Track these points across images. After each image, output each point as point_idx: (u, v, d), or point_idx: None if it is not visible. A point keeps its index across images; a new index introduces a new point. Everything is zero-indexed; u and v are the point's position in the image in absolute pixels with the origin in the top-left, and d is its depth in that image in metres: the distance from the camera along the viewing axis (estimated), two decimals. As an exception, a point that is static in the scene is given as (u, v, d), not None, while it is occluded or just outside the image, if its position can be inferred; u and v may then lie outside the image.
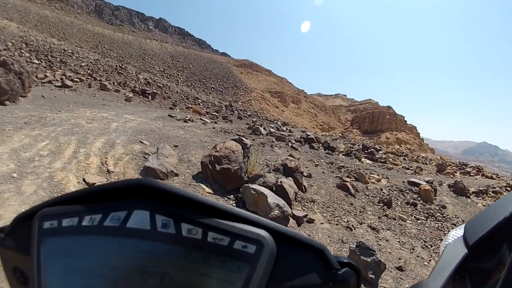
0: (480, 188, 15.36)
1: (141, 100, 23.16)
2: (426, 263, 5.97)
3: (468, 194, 13.76)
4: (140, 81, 33.85)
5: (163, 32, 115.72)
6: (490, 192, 15.06)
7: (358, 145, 25.64)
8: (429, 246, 6.90)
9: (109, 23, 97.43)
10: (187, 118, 16.70)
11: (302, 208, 6.86)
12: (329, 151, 17.87)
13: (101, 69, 31.05)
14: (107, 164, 6.45)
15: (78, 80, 21.63)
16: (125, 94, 22.36)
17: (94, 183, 5.36)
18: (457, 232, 0.51)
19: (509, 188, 16.14)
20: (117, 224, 0.43)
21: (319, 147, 18.95)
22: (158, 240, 0.42)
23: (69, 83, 18.96)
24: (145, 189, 0.44)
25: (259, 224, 0.43)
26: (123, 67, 37.73)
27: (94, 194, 0.47)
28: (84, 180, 5.56)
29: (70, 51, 32.54)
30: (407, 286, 4.81)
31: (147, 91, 26.35)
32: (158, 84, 36.48)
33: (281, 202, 5.77)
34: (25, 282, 0.49)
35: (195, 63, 79.19)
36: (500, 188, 15.92)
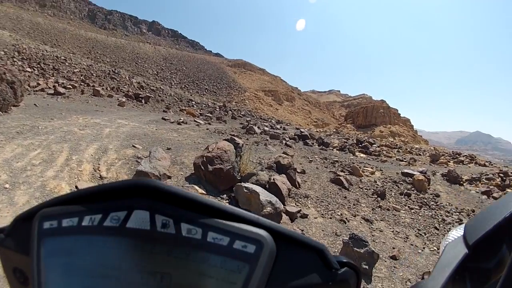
0: (473, 176, 15.48)
1: (134, 105, 23.06)
2: (420, 251, 6.04)
3: (461, 182, 13.85)
4: (133, 85, 33.65)
5: (156, 35, 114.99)
6: (483, 179, 15.19)
7: (352, 140, 25.66)
8: (423, 234, 6.98)
9: (102, 27, 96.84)
10: (180, 121, 16.68)
11: (295, 204, 6.89)
12: (323, 147, 17.92)
13: (94, 74, 30.88)
14: (99, 170, 6.42)
15: (71, 87, 21.45)
16: (118, 99, 22.21)
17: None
18: (457, 232, 0.51)
19: (502, 174, 16.26)
20: (117, 224, 0.43)
21: (313, 143, 18.95)
22: (158, 240, 0.42)
23: (61, 90, 18.81)
24: (145, 189, 0.44)
25: (259, 224, 0.43)
26: (116, 71, 37.55)
27: (94, 194, 0.47)
28: (76, 187, 5.53)
29: (63, 58, 32.34)
30: (401, 274, 4.87)
31: (140, 95, 26.25)
32: (152, 88, 36.26)
33: (274, 199, 5.79)
34: (25, 282, 0.49)
35: (188, 65, 78.98)
36: (493, 175, 16.05)
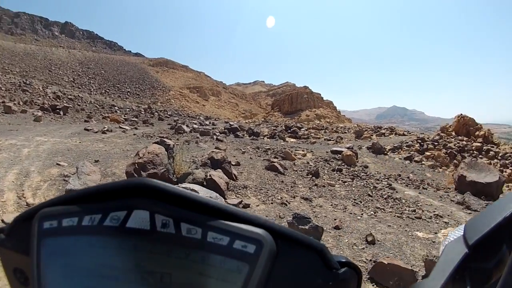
0: (395, 145, 16.98)
1: (52, 118, 21.30)
2: (359, 217, 6.46)
3: (385, 152, 15.13)
4: (49, 96, 31.06)
5: (70, 38, 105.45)
6: (404, 147, 16.77)
7: (281, 127, 26.54)
8: (359, 203, 7.50)
9: (8, 33, 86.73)
10: (105, 129, 16.05)
11: (236, 196, 6.93)
12: (254, 137, 18.36)
13: (2, 88, 27.76)
14: (25, 197, 5.79)
15: (-23, 106, 19.16)
16: (33, 113, 20.26)
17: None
18: (457, 232, 0.51)
19: (419, 141, 18.02)
20: (117, 224, 0.43)
21: (244, 134, 19.33)
22: (157, 240, 0.41)
23: (-33, 111, 16.75)
24: (144, 188, 0.44)
25: (259, 224, 0.42)
26: (27, 82, 34.19)
27: (94, 194, 0.47)
28: (3, 221, 4.93)
29: (-35, 72, 28.69)
30: (347, 240, 5.14)
31: (57, 106, 24.43)
32: (69, 97, 33.74)
33: (213, 194, 5.83)
34: (26, 282, 0.49)
35: (107, 67, 74.72)
36: (412, 142, 17.77)
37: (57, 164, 7.70)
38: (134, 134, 15.30)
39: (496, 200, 0.49)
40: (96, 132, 15.33)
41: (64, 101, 29.98)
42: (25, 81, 35.04)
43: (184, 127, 18.79)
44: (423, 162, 14.20)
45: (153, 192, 0.43)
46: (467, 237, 0.46)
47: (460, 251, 0.46)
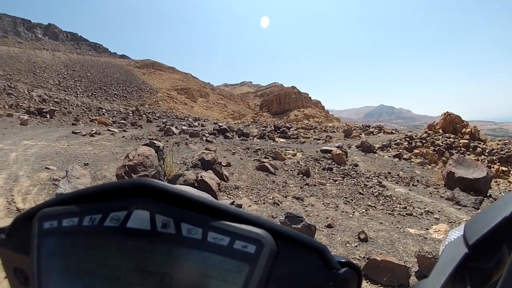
0: (383, 143, 17.17)
1: (39, 121, 20.94)
2: (351, 215, 6.48)
3: (374, 150, 15.29)
4: (34, 99, 30.54)
5: (53, 40, 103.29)
6: (393, 145, 16.97)
7: (270, 127, 26.62)
8: (350, 201, 7.53)
9: None
10: (93, 132, 15.86)
11: (228, 197, 6.90)
12: (244, 138, 18.41)
13: None
14: (15, 202, 5.65)
15: (-38, 111, 18.72)
16: (19, 117, 19.90)
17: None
18: (457, 232, 0.51)
19: (408, 139, 18.27)
20: (117, 224, 0.43)
21: (233, 135, 19.37)
22: (158, 240, 0.42)
23: (-48, 116, 16.36)
24: (145, 189, 0.44)
25: (259, 224, 0.42)
26: (12, 86, 33.42)
27: (94, 194, 0.47)
28: None
29: None
30: (339, 239, 5.15)
31: (44, 110, 24.03)
32: (55, 100, 33.15)
33: (205, 195, 5.74)
34: (26, 282, 0.49)
35: (93, 70, 73.54)
36: (400, 140, 17.98)
37: (46, 168, 7.57)
38: (123, 137, 15.19)
39: (496, 200, 0.48)
40: (84, 135, 15.17)
41: (50, 104, 29.43)
42: (9, 84, 34.27)
43: (173, 128, 18.74)
44: (412, 159, 14.41)
45: (154, 193, 0.44)
46: (467, 237, 0.46)
47: (460, 251, 0.46)
